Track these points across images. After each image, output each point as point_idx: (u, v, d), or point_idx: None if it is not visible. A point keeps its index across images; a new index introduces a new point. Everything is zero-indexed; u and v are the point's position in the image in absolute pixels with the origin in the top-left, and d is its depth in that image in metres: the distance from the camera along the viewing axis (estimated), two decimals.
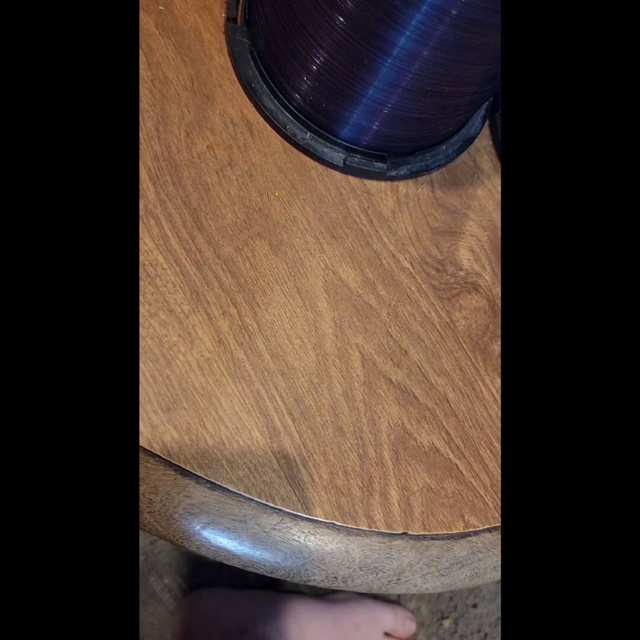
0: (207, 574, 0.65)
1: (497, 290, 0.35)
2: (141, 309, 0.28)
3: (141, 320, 0.28)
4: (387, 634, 0.68)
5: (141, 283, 0.29)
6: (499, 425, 0.32)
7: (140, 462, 0.27)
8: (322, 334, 0.31)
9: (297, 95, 0.32)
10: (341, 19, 0.27)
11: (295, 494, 0.28)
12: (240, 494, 0.28)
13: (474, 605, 0.76)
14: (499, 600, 0.76)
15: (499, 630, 0.75)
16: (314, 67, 0.30)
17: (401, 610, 0.69)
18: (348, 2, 0.26)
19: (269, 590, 0.67)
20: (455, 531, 0.30)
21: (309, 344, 0.30)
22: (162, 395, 0.28)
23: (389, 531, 0.29)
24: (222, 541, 0.27)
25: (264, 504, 0.28)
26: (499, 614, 0.76)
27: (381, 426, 0.30)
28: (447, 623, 0.74)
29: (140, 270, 0.29)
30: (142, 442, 0.27)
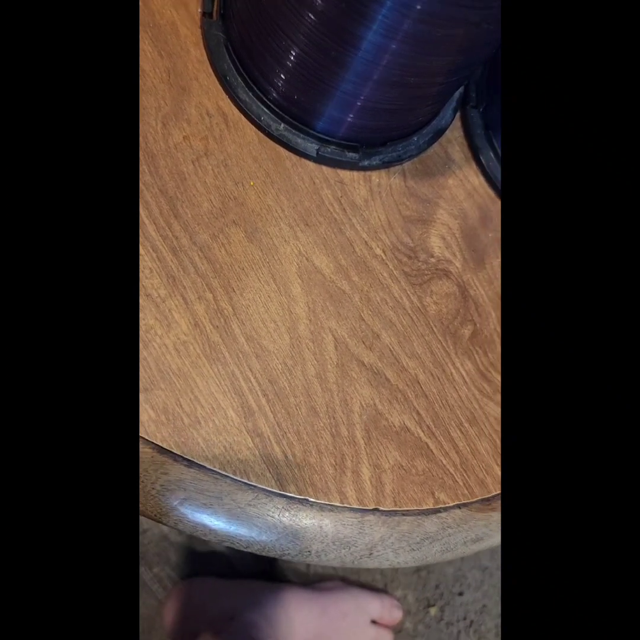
0: (196, 563, 0.66)
1: (468, 277, 0.36)
2: None
3: None
4: (374, 622, 0.69)
5: None
6: (469, 406, 0.34)
7: None
8: (296, 317, 0.32)
9: (271, 88, 0.33)
10: (310, 15, 0.28)
11: (270, 471, 0.29)
12: (216, 471, 0.29)
13: (460, 593, 0.77)
14: (485, 588, 0.78)
15: (484, 618, 0.76)
16: (287, 61, 0.31)
17: (388, 598, 0.71)
18: None
19: (257, 580, 0.68)
20: (425, 507, 0.31)
21: (283, 327, 0.31)
22: (139, 376, 0.29)
23: (361, 507, 0.30)
24: (199, 517, 0.28)
25: (239, 481, 0.29)
26: (485, 601, 0.77)
27: (353, 406, 0.31)
28: (433, 611, 0.75)
29: None
30: None
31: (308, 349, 0.32)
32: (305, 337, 0.32)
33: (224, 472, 0.29)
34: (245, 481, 0.29)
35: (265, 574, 0.69)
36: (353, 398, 0.32)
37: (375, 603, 0.68)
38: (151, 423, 0.28)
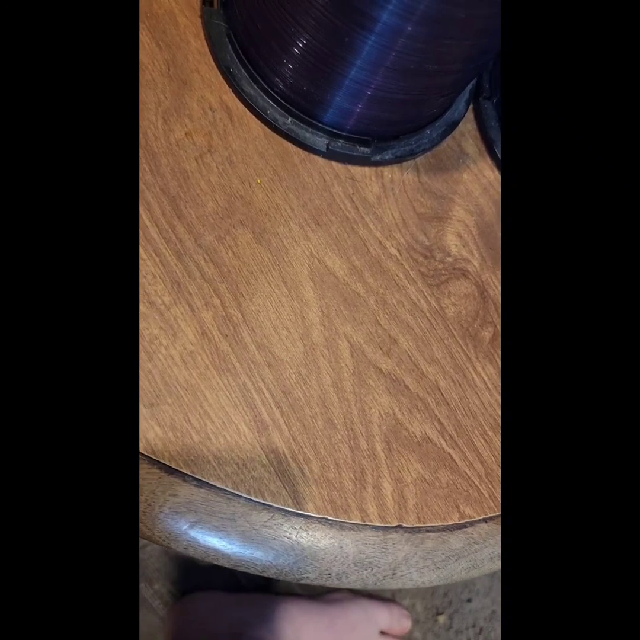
0: (197, 578, 0.63)
1: (486, 276, 0.34)
2: None
3: None
4: (383, 633, 0.67)
5: None
6: (492, 413, 0.32)
7: None
8: (309, 323, 0.30)
9: (277, 79, 0.31)
10: None
11: (286, 489, 0.27)
12: (228, 491, 0.27)
13: (469, 600, 0.75)
14: (493, 594, 0.76)
15: (494, 624, 0.75)
16: (294, 49, 0.30)
17: (396, 607, 0.69)
18: None
19: (262, 593, 0.66)
20: (450, 522, 0.30)
21: (295, 334, 0.30)
22: (144, 390, 0.26)
23: (383, 524, 0.28)
24: (211, 540, 0.26)
25: (254, 500, 0.27)
26: (494, 608, 0.75)
27: (372, 417, 0.30)
28: (442, 619, 0.73)
29: None
30: None
31: (323, 356, 0.30)
32: (320, 343, 0.30)
33: (237, 492, 0.27)
34: (260, 501, 0.27)
35: (270, 587, 0.67)
36: (371, 408, 0.30)
37: (383, 613, 0.66)
38: (158, 441, 0.26)
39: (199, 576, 0.64)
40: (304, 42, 0.29)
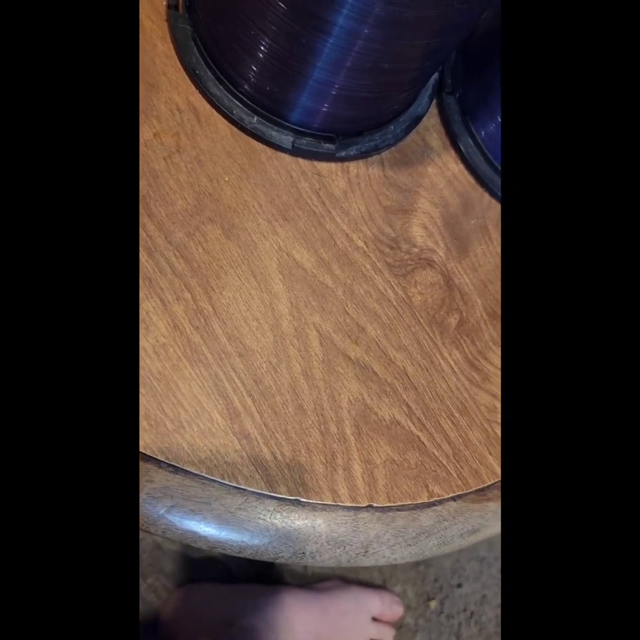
0: (191, 571, 0.65)
1: (451, 265, 0.35)
2: None
3: None
4: (374, 619, 0.68)
5: None
6: (459, 396, 0.33)
7: None
8: (278, 314, 0.31)
9: (242, 80, 0.32)
10: (279, 3, 0.28)
11: (259, 473, 0.28)
12: (203, 476, 0.28)
13: (459, 585, 0.76)
14: (483, 579, 0.77)
15: (484, 608, 0.76)
16: (257, 52, 0.31)
17: (387, 594, 0.70)
18: None
19: (255, 583, 0.67)
20: (420, 501, 0.31)
21: (265, 325, 0.31)
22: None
23: (354, 505, 0.30)
24: (188, 524, 0.27)
25: (228, 485, 0.28)
26: (484, 592, 0.77)
27: (342, 402, 0.31)
28: (433, 604, 0.75)
29: None
30: None
31: (292, 345, 0.31)
32: (289, 333, 0.31)
33: (211, 477, 0.28)
34: (234, 485, 0.28)
35: (262, 577, 0.68)
36: (341, 394, 0.31)
37: (375, 600, 0.67)
38: None
39: (192, 569, 0.65)
40: (266, 45, 0.30)
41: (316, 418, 0.30)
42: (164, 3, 0.34)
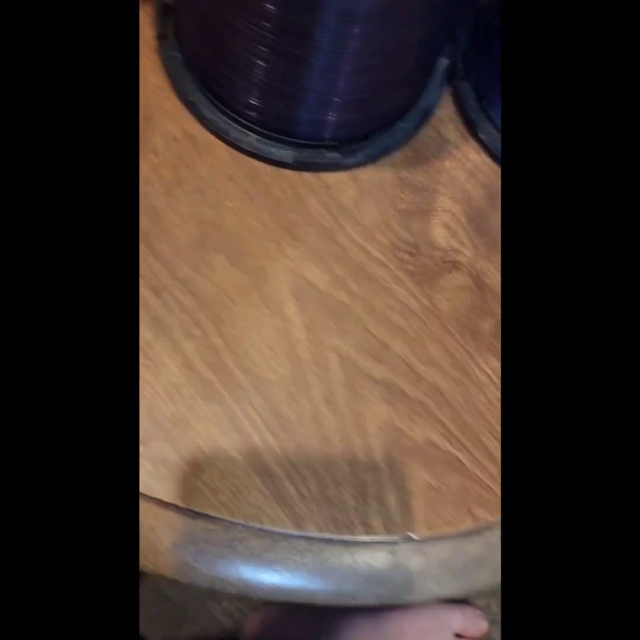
0: None
1: (481, 264, 0.32)
2: None
3: None
4: (457, 636, 0.65)
5: None
6: (500, 408, 0.30)
7: None
8: (294, 340, 0.29)
9: (234, 101, 0.31)
10: (264, 23, 0.26)
11: (284, 512, 0.27)
12: (226, 520, 0.27)
13: None
14: None
15: None
16: (248, 72, 0.29)
17: (470, 609, 0.66)
18: (262, 2, 0.25)
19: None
20: (464, 528, 0.28)
21: (281, 353, 0.29)
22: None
23: (390, 537, 0.27)
24: (214, 570, 0.26)
25: (252, 527, 0.27)
26: None
27: (369, 428, 0.29)
28: None
29: None
30: None
31: (311, 372, 0.29)
32: (307, 359, 0.29)
33: (234, 520, 0.27)
34: (259, 526, 0.27)
35: None
36: (367, 419, 0.29)
37: (456, 616, 0.64)
38: (150, 478, 0.27)
39: None
40: (257, 65, 0.28)
41: (342, 448, 0.28)
42: (152, 34, 0.33)
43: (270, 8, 0.25)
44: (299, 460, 0.28)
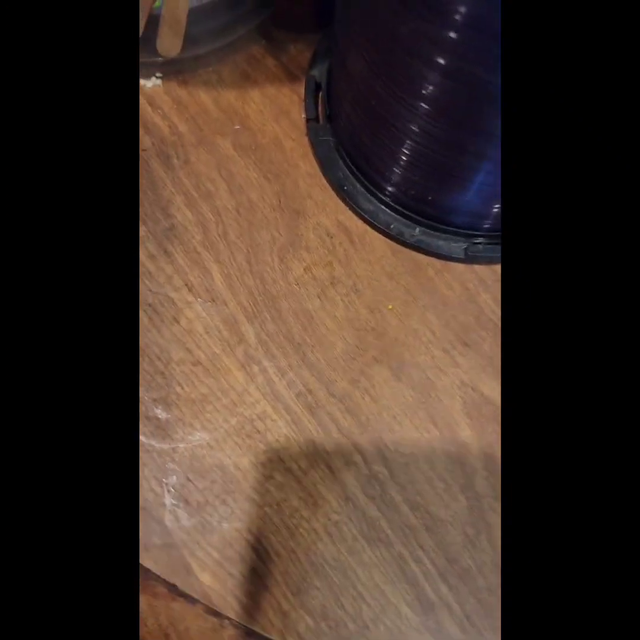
0: None
1: None
2: (256, 474, 0.25)
3: (256, 486, 0.25)
4: None
5: (252, 442, 0.25)
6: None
7: None
8: (470, 470, 0.25)
9: (396, 190, 0.28)
10: (424, 105, 0.23)
11: None
12: None
13: None
14: None
15: None
16: (408, 158, 0.26)
17: None
18: (429, 86, 0.21)
19: None
20: None
21: (455, 485, 0.25)
22: (289, 574, 0.24)
23: None
24: None
25: None
26: None
27: None
28: None
29: (249, 425, 0.26)
30: (274, 633, 0.23)
31: (493, 510, 0.25)
32: (486, 494, 0.25)
33: None
34: None
35: None
36: None
37: None
38: (311, 634, 0.23)
39: None
40: (426, 154, 0.25)
41: None
42: (303, 116, 0.31)
43: (432, 91, 0.22)
44: (480, 620, 0.23)
